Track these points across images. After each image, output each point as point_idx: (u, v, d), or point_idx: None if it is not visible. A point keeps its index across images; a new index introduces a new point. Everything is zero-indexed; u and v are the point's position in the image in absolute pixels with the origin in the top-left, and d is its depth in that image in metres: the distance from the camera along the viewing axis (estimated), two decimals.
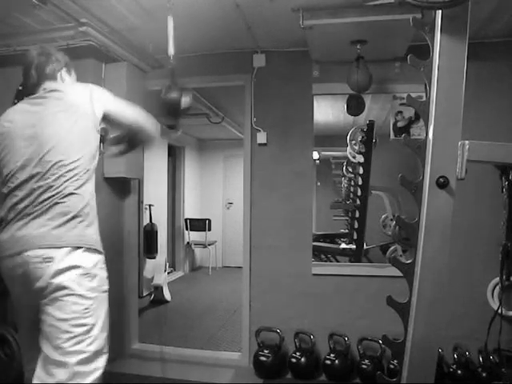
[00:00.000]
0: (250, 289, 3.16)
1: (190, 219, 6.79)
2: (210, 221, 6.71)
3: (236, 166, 6.56)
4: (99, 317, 1.45)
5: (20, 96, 1.68)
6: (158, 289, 4.92)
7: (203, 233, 6.73)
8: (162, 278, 4.92)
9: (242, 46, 3.07)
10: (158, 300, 4.91)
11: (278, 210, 3.13)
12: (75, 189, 1.47)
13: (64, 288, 1.38)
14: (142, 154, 3.29)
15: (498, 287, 2.62)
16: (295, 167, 3.11)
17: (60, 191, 1.44)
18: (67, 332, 1.37)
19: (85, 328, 1.39)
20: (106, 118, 1.62)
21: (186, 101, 1.99)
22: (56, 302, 1.38)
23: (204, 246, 6.82)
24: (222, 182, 7.56)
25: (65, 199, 1.44)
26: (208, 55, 3.18)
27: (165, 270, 5.01)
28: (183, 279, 6.45)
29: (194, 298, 5.27)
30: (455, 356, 2.69)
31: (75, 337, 1.37)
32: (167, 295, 4.97)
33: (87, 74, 2.81)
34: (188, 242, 6.89)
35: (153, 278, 4.92)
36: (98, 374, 1.42)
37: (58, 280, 1.38)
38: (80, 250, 1.44)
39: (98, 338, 1.43)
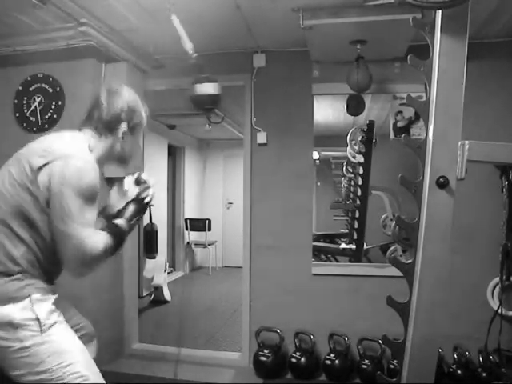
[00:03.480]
0: (250, 289, 3.16)
1: (190, 219, 6.79)
2: (210, 221, 6.71)
3: (236, 165, 6.54)
4: (51, 360, 1.28)
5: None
6: (158, 289, 4.92)
7: (203, 233, 6.72)
8: (161, 278, 4.92)
9: (242, 46, 3.07)
10: (158, 300, 4.91)
11: (278, 210, 3.13)
12: None
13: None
14: (142, 153, 3.29)
15: (498, 287, 2.62)
16: (295, 167, 3.11)
17: None
18: None
19: (38, 377, 1.27)
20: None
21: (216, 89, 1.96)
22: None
23: (204, 246, 6.81)
24: (222, 182, 7.55)
25: None
26: (208, 55, 3.17)
27: (165, 270, 5.02)
28: (183, 279, 6.45)
29: (193, 298, 5.27)
30: (455, 356, 2.69)
31: None
32: (167, 295, 4.97)
33: (87, 74, 2.81)
34: (188, 242, 6.89)
35: (153, 277, 4.92)
36: None
37: None
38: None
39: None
